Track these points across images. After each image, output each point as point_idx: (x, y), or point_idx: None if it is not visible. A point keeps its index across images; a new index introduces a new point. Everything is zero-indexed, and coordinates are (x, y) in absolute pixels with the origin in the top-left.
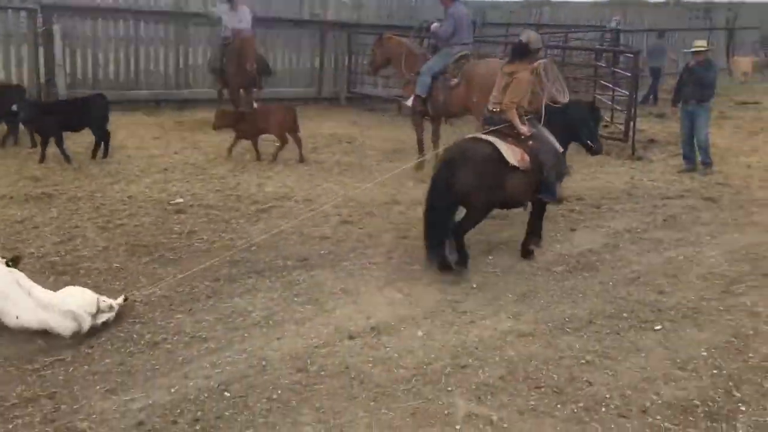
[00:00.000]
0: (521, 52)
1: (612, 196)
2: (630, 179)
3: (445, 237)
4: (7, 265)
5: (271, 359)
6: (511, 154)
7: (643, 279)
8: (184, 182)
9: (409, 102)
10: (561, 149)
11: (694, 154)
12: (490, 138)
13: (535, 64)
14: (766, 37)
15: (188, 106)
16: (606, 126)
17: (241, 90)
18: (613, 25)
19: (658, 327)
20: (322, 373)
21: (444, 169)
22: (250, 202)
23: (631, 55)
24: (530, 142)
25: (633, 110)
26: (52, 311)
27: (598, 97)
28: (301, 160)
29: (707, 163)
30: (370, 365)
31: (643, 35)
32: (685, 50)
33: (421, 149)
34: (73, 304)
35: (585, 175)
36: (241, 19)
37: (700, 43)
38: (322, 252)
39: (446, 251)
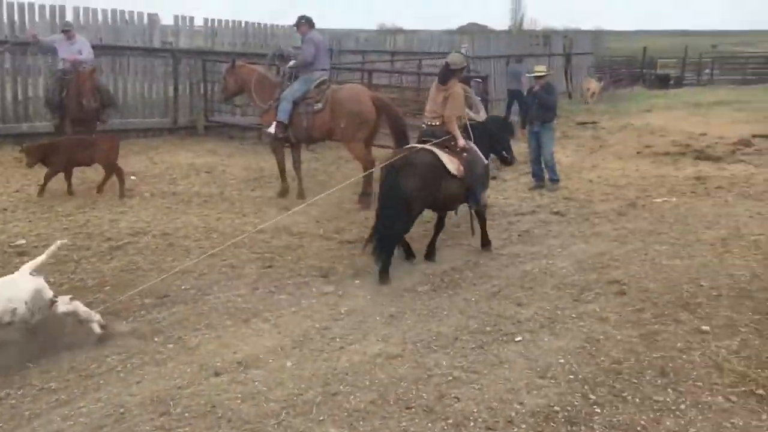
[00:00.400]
0: (448, 73)
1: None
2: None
3: (396, 241)
4: None
5: (129, 405)
6: (451, 163)
7: (503, 293)
8: (27, 222)
9: (272, 129)
10: (486, 161)
11: (543, 172)
12: (433, 149)
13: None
14: (598, 62)
15: (28, 140)
16: None
17: (83, 124)
18: (462, 51)
19: (519, 338)
20: (187, 414)
21: (391, 176)
22: (103, 240)
23: (480, 80)
24: (464, 154)
25: None
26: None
27: None
28: (121, 195)
29: (554, 180)
30: (238, 402)
31: (490, 61)
32: (528, 74)
33: (283, 176)
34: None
35: None
36: (81, 50)
37: (541, 68)
38: (184, 287)
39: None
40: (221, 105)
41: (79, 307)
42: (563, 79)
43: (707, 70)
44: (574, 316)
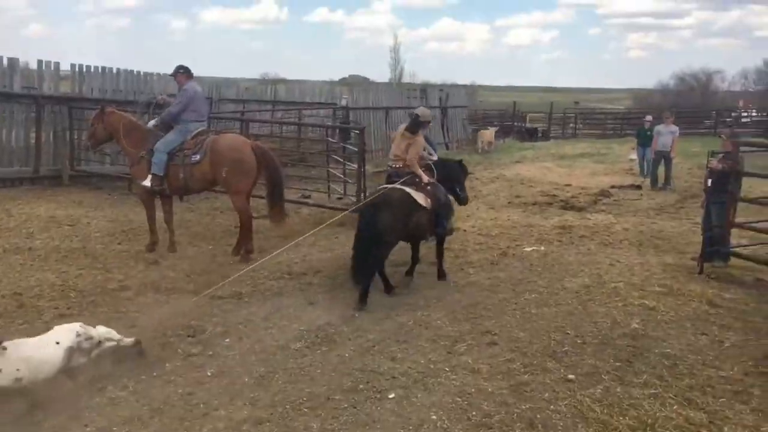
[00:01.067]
0: (417, 123)
1: (348, 266)
2: None
3: (375, 270)
4: None
5: None
6: (419, 197)
7: (378, 347)
8: None
9: (147, 182)
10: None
11: None
12: (403, 187)
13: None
14: (472, 115)
15: None
16: (340, 198)
17: None
18: (343, 102)
19: (392, 395)
20: None
21: (370, 213)
22: None
23: (358, 132)
24: (428, 188)
25: (363, 182)
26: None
27: (331, 170)
28: None
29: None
30: None
31: (369, 112)
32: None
33: (152, 229)
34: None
35: (321, 246)
36: None
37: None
38: None
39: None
40: (89, 153)
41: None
42: (440, 130)
43: (571, 125)
44: (447, 369)
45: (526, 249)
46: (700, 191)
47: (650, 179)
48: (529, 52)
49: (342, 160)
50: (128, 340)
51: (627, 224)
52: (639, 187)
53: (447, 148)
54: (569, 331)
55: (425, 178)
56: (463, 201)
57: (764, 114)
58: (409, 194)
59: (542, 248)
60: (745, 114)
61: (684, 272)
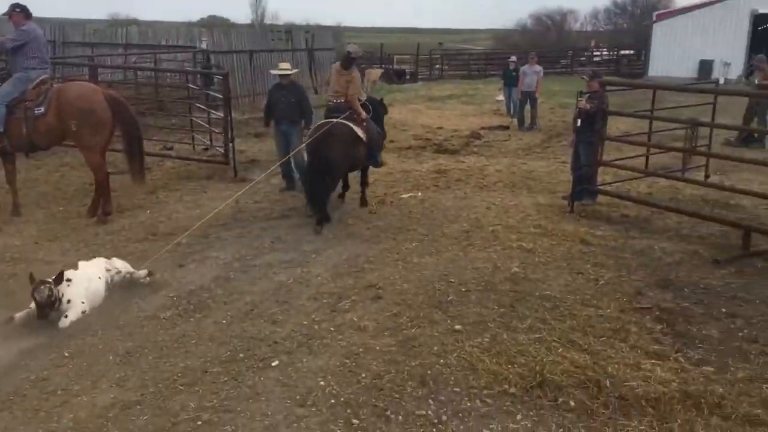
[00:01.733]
0: (350, 60)
1: (219, 223)
2: (235, 203)
3: (326, 197)
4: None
5: None
6: (360, 131)
7: (257, 310)
8: None
9: None
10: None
11: (293, 172)
12: (345, 121)
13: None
14: (339, 56)
15: None
16: (206, 149)
17: None
18: (203, 45)
19: (275, 362)
20: None
21: (320, 145)
22: None
23: (222, 77)
24: (365, 123)
25: (230, 131)
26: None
27: (194, 119)
28: None
29: None
30: None
31: (232, 56)
32: (272, 71)
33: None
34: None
35: (188, 203)
36: None
37: (285, 66)
38: None
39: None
40: None
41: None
42: (308, 74)
43: (437, 66)
44: (332, 329)
45: (403, 196)
46: (564, 130)
47: (517, 119)
48: None
49: (206, 108)
50: (141, 272)
51: (499, 166)
52: (507, 128)
53: (316, 92)
54: (453, 279)
55: (363, 114)
56: (383, 136)
57: (614, 53)
58: (352, 128)
59: (419, 194)
60: (597, 53)
61: (556, 212)
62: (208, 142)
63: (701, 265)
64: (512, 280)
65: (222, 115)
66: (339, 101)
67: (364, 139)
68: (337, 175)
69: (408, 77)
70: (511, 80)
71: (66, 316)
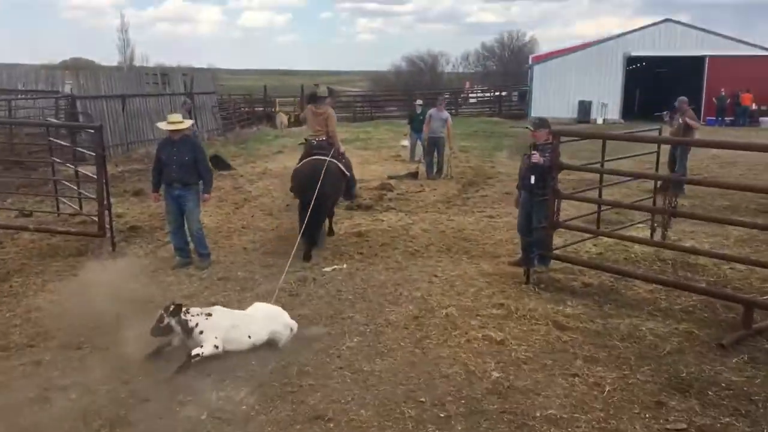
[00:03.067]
0: (318, 98)
1: (86, 322)
2: (111, 287)
3: (319, 228)
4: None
5: None
6: (344, 167)
7: None
8: None
9: None
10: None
11: (188, 245)
12: (330, 159)
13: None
14: (220, 100)
15: None
16: (73, 215)
17: None
18: (66, 89)
19: None
20: None
21: (311, 180)
22: None
23: (95, 130)
24: (343, 159)
25: (106, 195)
26: (277, 323)
27: (59, 180)
28: None
29: (205, 255)
30: None
31: (103, 101)
32: (160, 125)
33: None
34: (286, 316)
35: (54, 293)
36: None
37: (175, 118)
38: None
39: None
40: None
41: None
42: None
43: None
44: None
45: (326, 269)
46: (474, 177)
47: (426, 167)
48: (264, 35)
49: (73, 167)
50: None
51: (424, 224)
52: (416, 176)
53: (203, 139)
54: (423, 398)
55: (342, 149)
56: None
57: (490, 93)
58: (338, 165)
59: (344, 266)
60: (473, 94)
61: (509, 283)
62: (77, 207)
63: (706, 351)
64: (498, 393)
65: (96, 177)
66: (320, 139)
67: (347, 173)
68: (330, 206)
69: (293, 120)
70: (418, 124)
71: (201, 346)
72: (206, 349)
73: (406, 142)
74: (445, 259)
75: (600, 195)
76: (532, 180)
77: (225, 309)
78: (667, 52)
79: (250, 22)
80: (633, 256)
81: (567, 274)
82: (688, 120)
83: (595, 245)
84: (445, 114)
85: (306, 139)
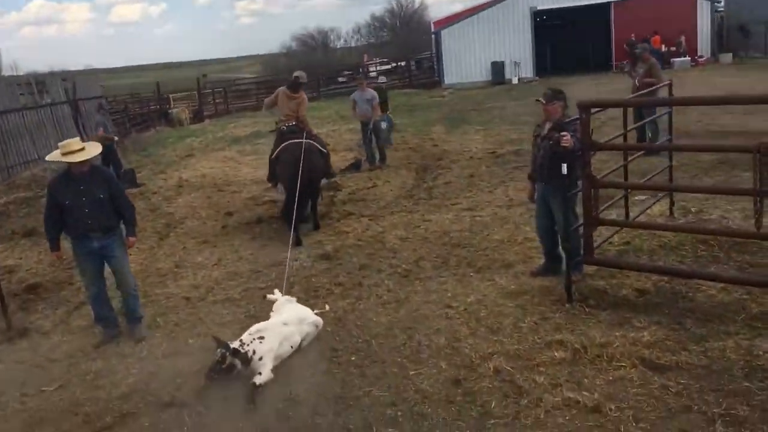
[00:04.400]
0: (297, 83)
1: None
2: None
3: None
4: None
5: None
6: (320, 146)
7: None
8: None
9: None
10: None
11: (113, 312)
12: (308, 140)
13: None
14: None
15: None
16: None
17: None
18: None
19: None
20: None
21: (295, 163)
22: None
23: None
24: (317, 139)
25: None
26: (307, 324)
27: None
28: None
29: (137, 319)
30: None
31: None
32: (51, 157)
33: None
34: (311, 314)
35: None
36: None
37: (75, 146)
38: None
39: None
40: None
41: None
42: (74, 129)
43: (219, 100)
44: None
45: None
46: (421, 160)
47: (368, 157)
48: (140, 29)
49: None
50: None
51: (398, 230)
52: (358, 166)
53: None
54: None
55: (314, 132)
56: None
57: (392, 64)
58: (315, 144)
59: (327, 307)
60: (373, 68)
61: (547, 303)
62: None
63: None
64: None
65: None
66: (291, 123)
67: (325, 151)
68: (318, 185)
69: (193, 117)
70: (386, 104)
71: (260, 374)
72: (265, 376)
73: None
74: (448, 277)
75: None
76: (564, 169)
77: (268, 324)
78: (573, 2)
79: (122, 17)
80: (668, 242)
81: (606, 279)
82: (645, 80)
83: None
84: (370, 93)
85: (276, 125)
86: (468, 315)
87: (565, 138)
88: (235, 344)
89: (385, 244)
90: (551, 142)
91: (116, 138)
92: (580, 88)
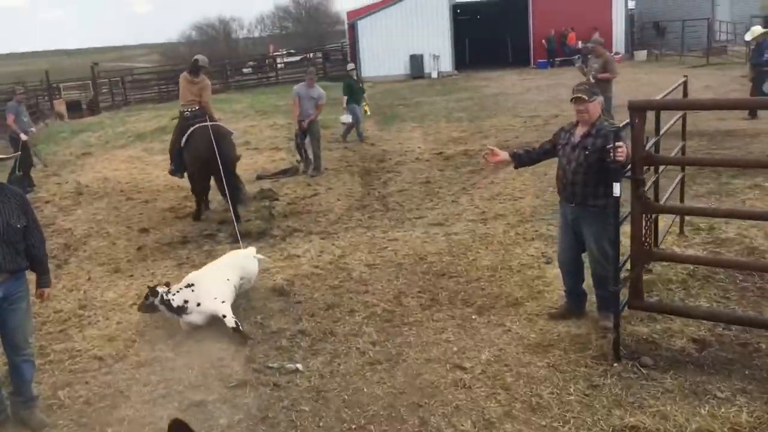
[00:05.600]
0: (197, 67)
1: None
2: None
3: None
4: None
5: None
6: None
7: None
8: None
9: None
10: None
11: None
12: (215, 123)
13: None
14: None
15: None
16: None
17: None
18: None
19: None
20: None
21: (209, 147)
22: None
23: None
24: (221, 122)
25: None
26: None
27: None
28: None
29: (32, 399)
30: None
31: None
32: None
33: None
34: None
35: None
36: None
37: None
38: None
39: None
40: None
41: None
42: None
43: (116, 90)
44: None
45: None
46: (378, 166)
47: (302, 158)
48: (24, 14)
49: None
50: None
51: (362, 253)
52: (295, 172)
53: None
54: None
55: (218, 116)
56: None
57: (305, 55)
58: (223, 126)
59: (296, 365)
60: (280, 59)
61: (590, 364)
62: None
63: None
64: None
65: None
66: (193, 108)
67: (233, 133)
68: (235, 170)
69: (85, 108)
70: (356, 94)
71: (224, 316)
72: (228, 315)
73: (347, 118)
74: (445, 322)
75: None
76: (617, 190)
77: (198, 273)
78: None
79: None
80: (694, 269)
81: (646, 323)
82: (600, 76)
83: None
84: (318, 91)
85: (180, 112)
86: (491, 382)
87: (620, 150)
88: (162, 289)
89: (350, 272)
90: (587, 152)
91: (26, 134)
92: (507, 84)
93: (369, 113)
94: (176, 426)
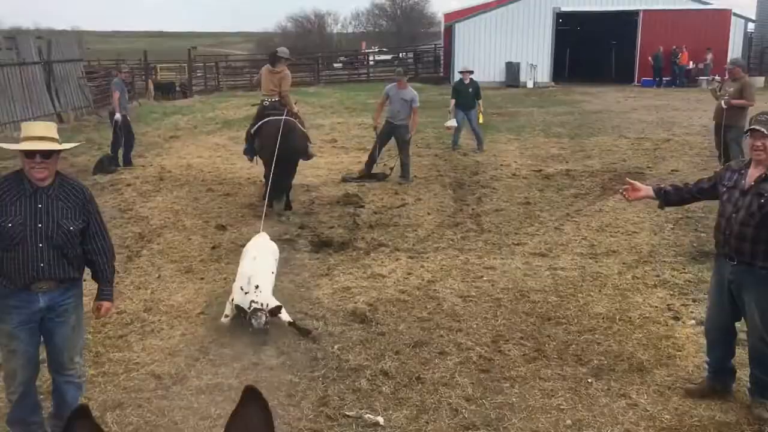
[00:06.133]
0: (276, 58)
1: None
2: None
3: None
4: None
5: None
6: (301, 125)
7: None
8: None
9: None
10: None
11: (40, 412)
12: (288, 118)
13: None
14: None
15: None
16: None
17: None
18: None
19: None
20: None
21: (281, 141)
22: None
23: None
24: (298, 118)
25: None
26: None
27: None
28: None
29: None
30: None
31: None
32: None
33: None
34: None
35: None
36: None
37: (46, 131)
38: None
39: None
40: None
41: None
42: (47, 95)
43: (209, 76)
44: None
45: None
46: (471, 180)
47: (369, 162)
48: None
49: None
50: None
51: (453, 280)
52: (383, 177)
53: (61, 120)
54: None
55: (296, 109)
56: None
57: (394, 54)
58: (295, 122)
59: (379, 419)
60: (372, 57)
61: None
62: None
63: None
64: None
65: None
66: (273, 99)
67: (305, 131)
68: (296, 164)
69: (179, 91)
70: (464, 99)
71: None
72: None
73: (452, 122)
74: (555, 382)
75: None
76: None
77: (248, 270)
78: (600, 6)
79: None
80: None
81: None
82: (733, 102)
83: None
84: (410, 93)
85: (261, 101)
86: None
87: None
88: (255, 306)
89: (441, 303)
90: (763, 200)
91: (119, 116)
92: (610, 100)
93: (482, 121)
94: (250, 393)
